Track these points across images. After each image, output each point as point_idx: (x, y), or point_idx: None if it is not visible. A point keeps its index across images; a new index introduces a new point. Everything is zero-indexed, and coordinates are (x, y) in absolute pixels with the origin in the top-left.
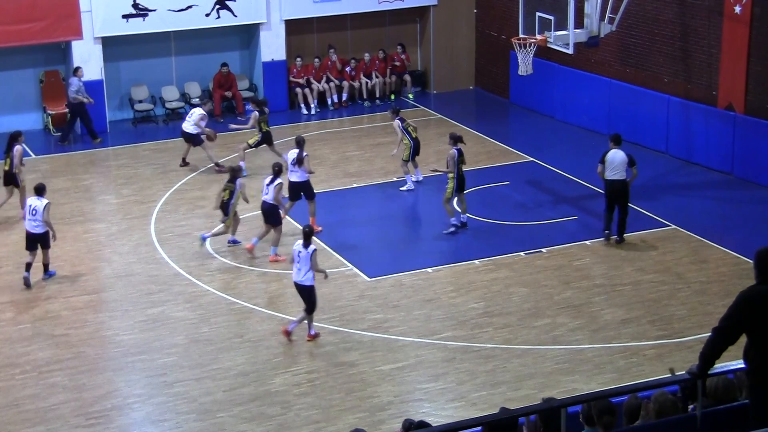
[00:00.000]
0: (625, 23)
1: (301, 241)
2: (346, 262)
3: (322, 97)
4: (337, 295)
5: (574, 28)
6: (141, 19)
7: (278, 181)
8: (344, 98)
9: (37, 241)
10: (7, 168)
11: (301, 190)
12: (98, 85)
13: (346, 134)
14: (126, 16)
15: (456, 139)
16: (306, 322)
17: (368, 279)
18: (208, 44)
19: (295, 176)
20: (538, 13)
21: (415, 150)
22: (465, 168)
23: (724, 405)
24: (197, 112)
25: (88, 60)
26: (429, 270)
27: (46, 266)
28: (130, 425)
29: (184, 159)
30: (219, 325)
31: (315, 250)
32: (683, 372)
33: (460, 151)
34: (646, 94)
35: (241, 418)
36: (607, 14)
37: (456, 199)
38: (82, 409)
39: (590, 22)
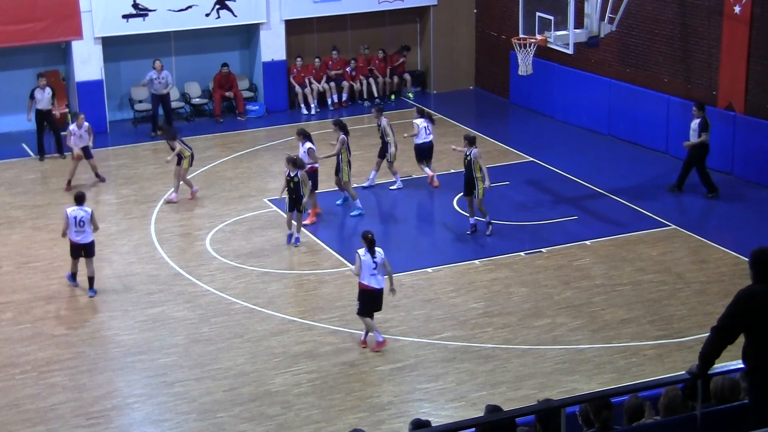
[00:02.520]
0: (625, 23)
1: (364, 249)
2: (346, 262)
3: (322, 97)
4: (337, 295)
5: (574, 28)
6: (141, 19)
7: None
8: (344, 98)
9: (83, 250)
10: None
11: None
12: (98, 85)
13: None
14: (126, 16)
15: (471, 141)
16: (367, 326)
17: None
18: (208, 44)
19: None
20: (538, 13)
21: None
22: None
23: (725, 405)
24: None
25: (88, 60)
26: (429, 270)
27: (91, 280)
28: (130, 425)
29: (97, 174)
30: (219, 325)
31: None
32: (683, 372)
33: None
34: (646, 94)
35: (241, 418)
36: (607, 14)
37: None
38: (82, 409)
39: (590, 22)
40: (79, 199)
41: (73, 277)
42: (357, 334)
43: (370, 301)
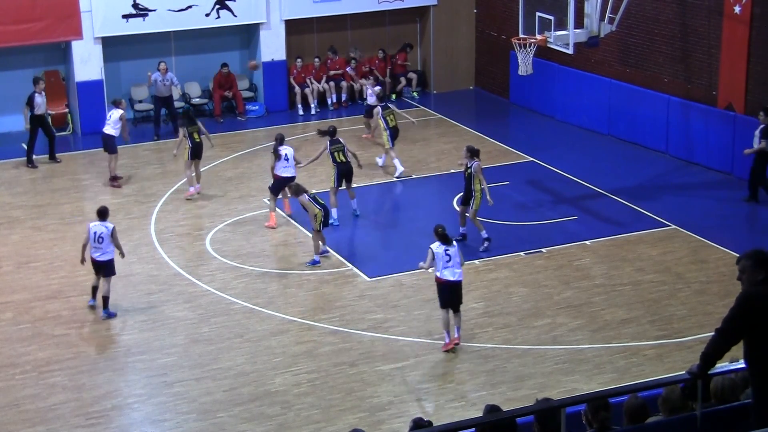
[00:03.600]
0: (625, 23)
1: (438, 243)
2: (345, 262)
3: (322, 97)
4: (337, 295)
5: (574, 28)
6: (141, 19)
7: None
8: (344, 98)
9: (101, 269)
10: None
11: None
12: (98, 85)
13: (345, 134)
14: (126, 16)
15: (473, 153)
16: (455, 323)
17: (368, 279)
18: (208, 44)
19: (289, 172)
20: (538, 13)
21: (393, 137)
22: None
23: (725, 405)
24: (115, 114)
25: (88, 60)
26: (429, 270)
27: (105, 300)
28: (130, 425)
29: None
30: (219, 325)
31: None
32: (683, 372)
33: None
34: (646, 94)
35: (241, 418)
36: (607, 14)
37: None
38: (82, 409)
39: (590, 22)
40: (102, 214)
41: (93, 293)
42: (357, 334)
43: (447, 294)
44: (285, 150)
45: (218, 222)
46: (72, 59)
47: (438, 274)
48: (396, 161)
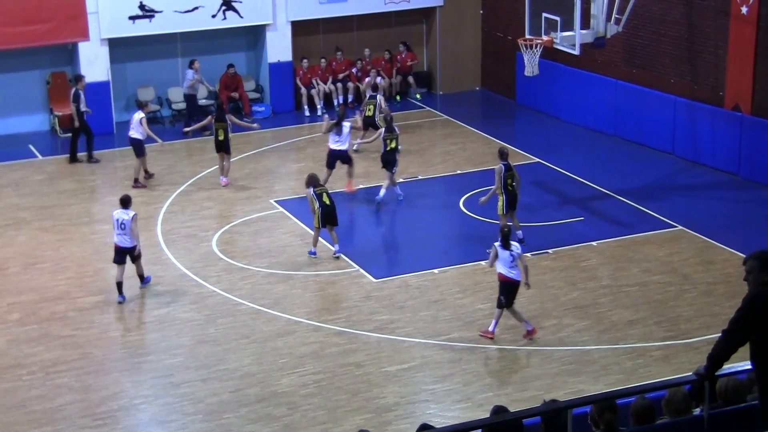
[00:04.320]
0: (632, 24)
1: (498, 243)
2: (352, 263)
3: (328, 98)
4: (343, 296)
5: (581, 29)
6: (147, 20)
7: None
8: (350, 99)
9: (127, 254)
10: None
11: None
12: (105, 87)
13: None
14: (132, 18)
15: (503, 155)
16: (513, 317)
17: (374, 280)
18: (215, 45)
19: (339, 146)
20: (544, 14)
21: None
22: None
23: (731, 406)
24: (135, 117)
25: (94, 61)
26: (435, 271)
27: (141, 276)
28: (137, 426)
29: (146, 171)
30: (225, 326)
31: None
32: (690, 373)
33: (507, 166)
34: (653, 94)
35: (247, 419)
36: (614, 15)
37: (509, 216)
38: (88, 410)
39: (596, 22)
40: (124, 203)
41: (119, 288)
42: (363, 335)
43: (512, 292)
44: (345, 125)
45: (225, 223)
46: (78, 60)
47: (503, 272)
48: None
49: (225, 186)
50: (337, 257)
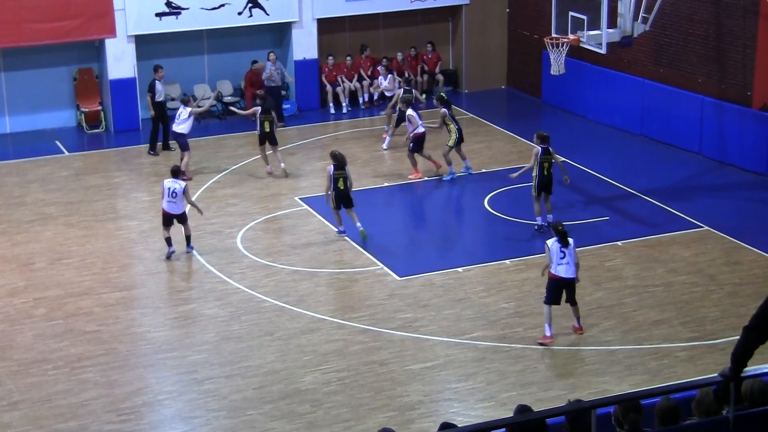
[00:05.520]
0: (659, 23)
1: (554, 239)
2: (376, 261)
3: (353, 95)
4: (367, 294)
5: (608, 28)
6: (174, 17)
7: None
8: (375, 97)
9: (175, 219)
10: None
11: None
12: (131, 83)
13: (377, 133)
14: (159, 15)
15: (542, 138)
16: (574, 315)
17: (399, 278)
18: (241, 43)
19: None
20: (571, 13)
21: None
22: (548, 166)
23: (757, 408)
24: (184, 113)
25: (121, 58)
26: (459, 269)
27: (188, 238)
28: (161, 422)
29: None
30: (249, 323)
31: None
32: (715, 374)
33: (545, 150)
34: (680, 94)
35: (270, 416)
36: (641, 14)
37: (542, 198)
38: (113, 405)
39: (623, 21)
40: (175, 173)
41: (168, 242)
42: (387, 333)
43: (556, 290)
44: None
45: (249, 220)
46: (105, 57)
47: (552, 270)
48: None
49: (270, 174)
50: (342, 234)
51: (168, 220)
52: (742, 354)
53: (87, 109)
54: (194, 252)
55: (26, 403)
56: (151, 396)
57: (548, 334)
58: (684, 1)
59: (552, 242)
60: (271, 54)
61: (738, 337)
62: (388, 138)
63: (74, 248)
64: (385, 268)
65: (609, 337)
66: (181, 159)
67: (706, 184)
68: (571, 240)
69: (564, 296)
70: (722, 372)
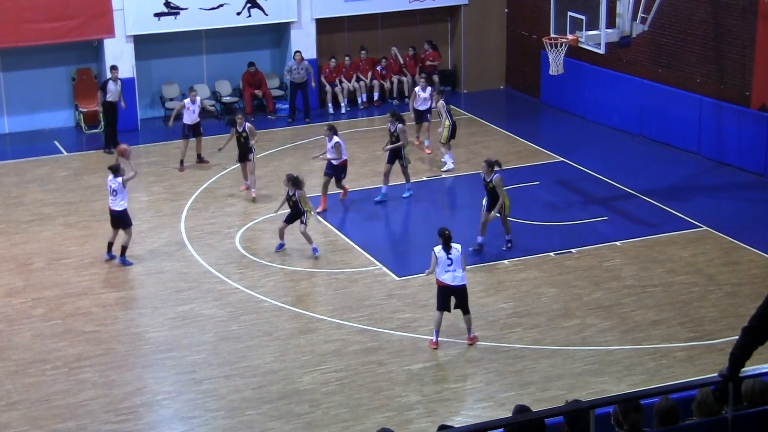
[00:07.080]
0: (658, 23)
1: (440, 246)
2: (375, 261)
3: (352, 95)
4: (366, 294)
5: (606, 28)
6: (172, 17)
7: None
8: (375, 97)
9: (118, 219)
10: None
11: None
12: (130, 83)
13: (376, 133)
14: (158, 15)
15: (491, 165)
16: (466, 325)
17: (397, 278)
18: (239, 43)
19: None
20: (569, 13)
21: (453, 132)
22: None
23: (756, 408)
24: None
25: (119, 58)
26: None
27: (123, 249)
28: (159, 422)
29: (199, 155)
30: (248, 323)
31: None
32: (714, 374)
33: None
34: (679, 94)
35: (269, 416)
36: (640, 14)
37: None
38: (111, 405)
39: (622, 21)
40: (114, 170)
41: (108, 248)
42: (386, 334)
43: (444, 297)
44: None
45: (248, 220)
46: (104, 57)
47: (438, 276)
48: (449, 156)
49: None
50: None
51: (113, 218)
52: (740, 354)
53: (85, 110)
54: (193, 252)
55: (25, 403)
56: (149, 396)
57: (434, 339)
58: (683, 1)
59: (439, 249)
60: (297, 54)
61: (737, 338)
62: (449, 157)
63: (73, 248)
64: (384, 268)
65: (607, 337)
66: (196, 145)
67: (705, 184)
68: (456, 246)
69: (453, 303)
70: (721, 372)
